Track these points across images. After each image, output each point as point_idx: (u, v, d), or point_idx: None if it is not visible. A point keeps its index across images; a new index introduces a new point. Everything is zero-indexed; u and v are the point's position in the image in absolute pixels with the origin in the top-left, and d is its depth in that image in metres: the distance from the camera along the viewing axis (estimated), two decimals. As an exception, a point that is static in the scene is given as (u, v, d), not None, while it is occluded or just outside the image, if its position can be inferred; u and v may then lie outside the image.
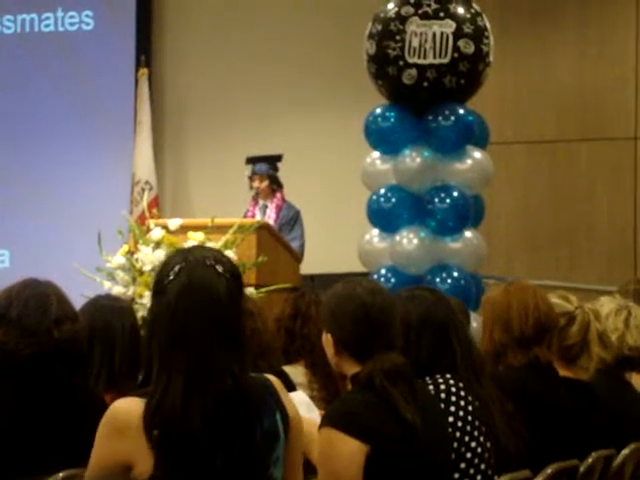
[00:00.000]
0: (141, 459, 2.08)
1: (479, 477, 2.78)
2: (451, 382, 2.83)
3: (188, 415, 2.08)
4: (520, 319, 3.19)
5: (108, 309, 3.13)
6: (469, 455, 2.78)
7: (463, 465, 2.77)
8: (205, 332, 2.12)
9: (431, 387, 2.80)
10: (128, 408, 2.11)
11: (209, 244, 5.30)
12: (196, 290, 2.14)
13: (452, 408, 2.79)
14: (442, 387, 2.82)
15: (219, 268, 2.17)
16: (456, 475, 2.74)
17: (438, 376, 2.84)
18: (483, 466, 2.79)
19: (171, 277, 2.16)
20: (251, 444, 2.13)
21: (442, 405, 2.78)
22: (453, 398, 2.81)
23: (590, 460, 3.10)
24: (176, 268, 2.16)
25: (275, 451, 2.18)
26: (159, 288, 2.18)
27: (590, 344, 3.27)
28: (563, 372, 3.29)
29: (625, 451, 3.29)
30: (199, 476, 2.09)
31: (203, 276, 2.15)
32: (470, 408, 2.82)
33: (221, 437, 2.09)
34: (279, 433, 2.19)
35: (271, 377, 2.28)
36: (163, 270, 2.19)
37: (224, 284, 2.16)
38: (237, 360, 2.14)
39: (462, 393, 2.82)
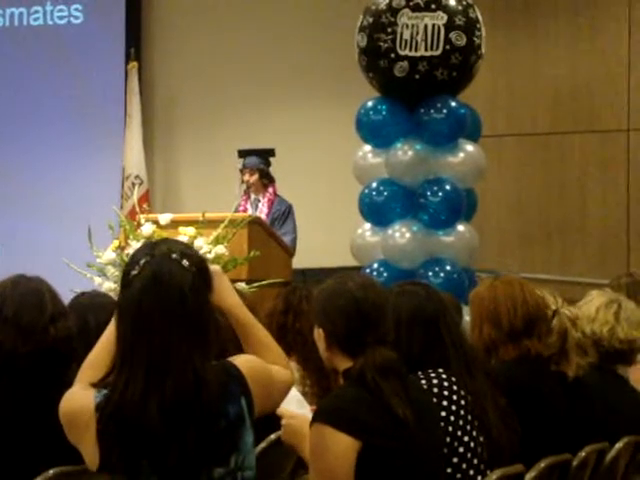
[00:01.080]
0: (91, 450, 2.13)
1: (472, 471, 2.78)
2: (443, 377, 2.83)
3: (146, 409, 2.11)
4: (509, 313, 3.19)
5: (84, 306, 3.10)
6: (462, 449, 2.78)
7: (456, 459, 2.77)
8: (167, 326, 2.15)
9: (423, 382, 2.80)
10: (81, 402, 2.16)
11: (200, 239, 5.28)
12: (159, 284, 2.17)
13: (444, 402, 2.79)
14: (434, 382, 2.81)
15: (185, 262, 2.20)
16: (449, 469, 2.74)
17: (430, 371, 2.84)
18: (476, 460, 2.79)
19: (136, 271, 2.19)
20: (211, 437, 2.14)
21: (434, 400, 2.77)
22: (445, 392, 2.80)
23: (583, 454, 3.09)
24: (141, 262, 2.20)
25: (242, 437, 2.20)
26: (125, 281, 2.22)
27: (569, 353, 3.27)
28: (554, 366, 3.28)
29: (618, 445, 3.28)
30: (152, 470, 2.11)
31: (167, 270, 2.18)
32: (462, 402, 2.81)
33: (177, 432, 2.12)
34: (245, 418, 2.21)
35: (240, 358, 2.30)
36: (129, 264, 2.23)
37: (189, 278, 2.19)
38: (200, 354, 2.17)
39: (454, 387, 2.82)
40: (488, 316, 3.21)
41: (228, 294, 2.42)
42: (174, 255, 2.20)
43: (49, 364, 2.64)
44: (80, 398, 2.19)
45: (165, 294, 2.16)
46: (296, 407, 2.90)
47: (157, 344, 2.14)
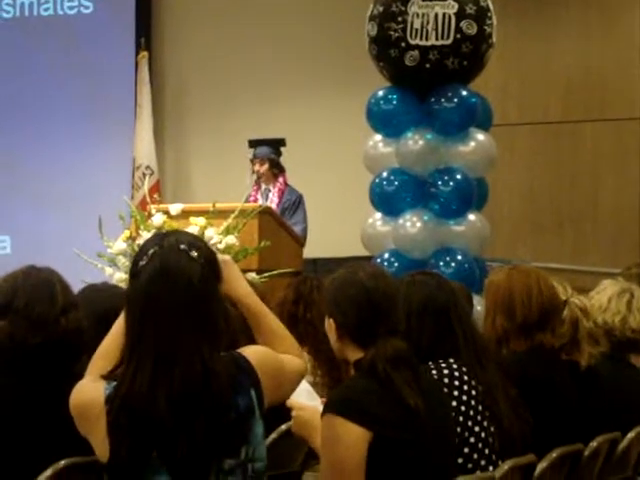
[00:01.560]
0: (101, 442, 2.13)
1: (483, 462, 2.78)
2: (454, 367, 2.82)
3: (154, 401, 2.11)
4: (523, 306, 3.16)
5: (94, 298, 3.08)
6: (473, 440, 2.77)
7: (467, 450, 2.76)
8: (175, 317, 2.15)
9: (434, 372, 2.79)
10: (91, 394, 2.17)
11: (211, 229, 5.28)
12: (167, 275, 2.17)
13: (455, 393, 2.78)
14: (445, 372, 2.81)
15: (193, 253, 2.19)
16: (460, 460, 2.74)
17: (441, 361, 2.83)
18: (487, 451, 2.79)
19: (144, 262, 2.19)
20: (220, 428, 2.14)
21: (445, 390, 2.77)
22: (456, 383, 2.79)
23: (595, 444, 3.08)
24: (150, 252, 2.19)
25: (252, 429, 2.20)
26: (134, 272, 2.22)
27: (580, 343, 3.25)
28: (566, 356, 3.27)
29: (630, 435, 3.27)
30: (161, 462, 2.11)
31: (175, 261, 2.18)
32: (473, 393, 2.80)
33: (186, 423, 2.12)
34: (255, 410, 2.21)
35: (250, 349, 2.29)
36: (138, 254, 2.23)
37: (197, 269, 2.18)
38: (208, 344, 2.16)
39: (465, 378, 2.81)
40: (502, 306, 3.19)
41: (239, 284, 2.41)
42: (182, 246, 2.20)
43: (59, 356, 2.64)
44: (90, 390, 2.19)
45: (173, 285, 2.16)
46: (306, 399, 2.90)
47: (165, 335, 2.14)
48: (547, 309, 3.18)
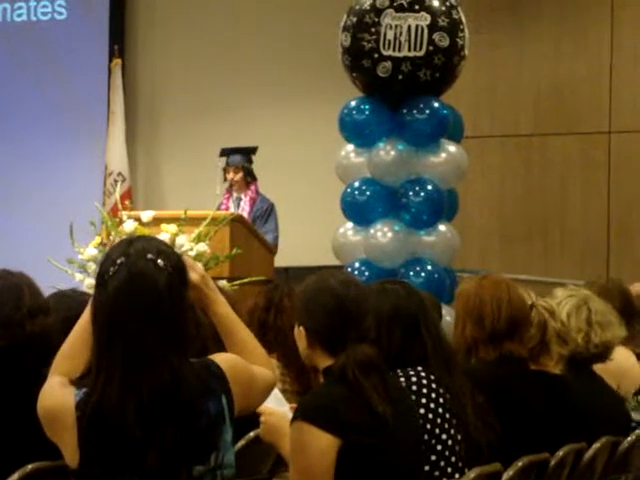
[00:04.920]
0: (71, 449, 2.12)
1: (450, 469, 2.79)
2: (422, 374, 2.83)
3: (124, 412, 2.11)
4: (493, 315, 3.18)
5: (64, 304, 3.07)
6: (439, 447, 2.78)
7: (434, 457, 2.77)
8: (142, 326, 2.15)
9: (402, 379, 2.80)
10: (61, 400, 2.15)
11: (182, 236, 5.27)
12: (135, 285, 2.16)
13: (423, 400, 2.79)
14: (413, 379, 2.82)
15: (160, 262, 2.19)
16: (427, 467, 2.74)
17: (409, 369, 2.84)
18: (454, 458, 2.80)
19: (111, 272, 2.18)
20: (191, 435, 2.14)
21: (413, 397, 2.78)
22: (424, 390, 2.81)
23: (561, 453, 3.10)
24: (117, 262, 2.18)
25: (222, 435, 2.20)
26: (100, 281, 2.21)
27: (549, 344, 3.27)
28: (534, 366, 3.30)
29: (596, 445, 3.29)
30: (131, 470, 2.11)
31: (142, 271, 2.17)
32: (441, 400, 2.82)
33: (156, 434, 2.12)
34: (225, 416, 2.21)
35: (221, 356, 2.29)
36: (104, 263, 2.22)
37: (164, 278, 2.18)
38: (177, 353, 2.16)
39: (433, 385, 2.83)
40: (472, 316, 3.21)
41: (212, 293, 2.41)
42: (149, 255, 2.19)
43: (26, 359, 2.63)
44: (60, 396, 2.17)
45: (140, 295, 2.15)
46: (275, 404, 2.90)
47: (132, 345, 2.13)
48: (516, 318, 3.20)
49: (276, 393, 3.18)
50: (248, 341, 2.42)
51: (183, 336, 2.19)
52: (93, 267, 5.23)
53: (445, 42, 6.06)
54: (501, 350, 3.18)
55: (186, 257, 2.38)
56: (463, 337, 3.22)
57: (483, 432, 2.89)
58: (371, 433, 2.45)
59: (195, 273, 2.36)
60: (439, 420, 2.80)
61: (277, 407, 3.00)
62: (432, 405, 2.80)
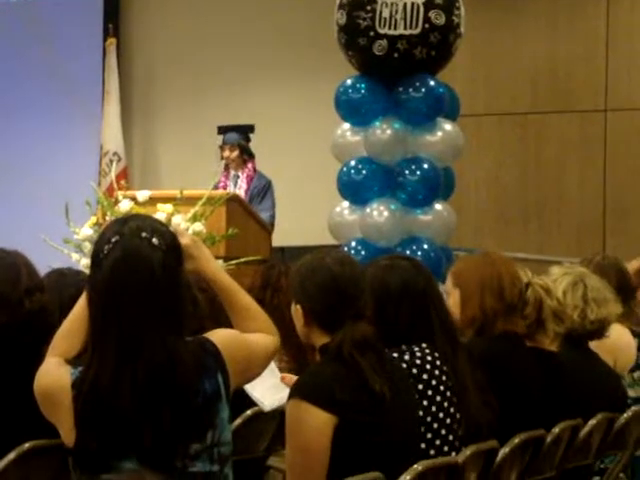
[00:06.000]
0: (67, 428, 2.13)
1: (446, 448, 2.78)
2: (427, 351, 2.82)
3: (119, 392, 2.11)
4: (512, 287, 3.17)
5: (59, 283, 3.07)
6: (436, 425, 2.78)
7: (430, 435, 2.77)
8: (137, 305, 2.14)
9: (407, 355, 2.78)
10: (57, 379, 2.16)
11: (178, 216, 5.27)
12: (129, 264, 2.16)
13: (425, 376, 2.78)
14: (417, 354, 2.80)
15: (155, 240, 2.18)
16: (422, 445, 2.74)
17: (414, 345, 2.82)
18: (451, 437, 2.80)
19: (106, 250, 2.18)
20: (187, 413, 2.14)
21: (415, 372, 2.76)
22: (428, 366, 2.79)
23: (557, 430, 3.11)
24: (111, 241, 2.18)
25: (219, 413, 2.20)
26: (95, 261, 2.20)
27: (545, 322, 3.27)
28: (530, 343, 3.30)
29: (592, 421, 3.31)
30: (128, 449, 2.11)
31: (137, 249, 2.17)
32: (444, 378, 2.81)
33: (152, 412, 2.12)
34: (221, 394, 2.21)
35: (217, 334, 2.28)
36: (99, 242, 2.21)
37: (159, 256, 2.17)
38: (172, 331, 2.16)
39: (437, 363, 2.81)
40: (492, 287, 3.16)
41: (208, 261, 2.41)
42: (144, 234, 2.18)
43: (25, 337, 2.64)
44: (56, 375, 2.18)
45: (135, 274, 2.15)
46: (268, 374, 2.89)
47: (127, 325, 2.13)
48: (522, 294, 3.20)
49: (271, 365, 3.18)
50: (249, 307, 2.42)
51: (178, 314, 2.19)
52: (89, 247, 5.23)
53: (441, 20, 6.04)
54: (511, 323, 3.17)
55: (174, 225, 2.37)
56: (481, 310, 3.16)
57: (483, 411, 2.88)
58: (367, 411, 2.45)
59: (184, 237, 2.35)
60: (438, 398, 2.79)
61: (270, 377, 3.00)
62: (434, 382, 2.79)
